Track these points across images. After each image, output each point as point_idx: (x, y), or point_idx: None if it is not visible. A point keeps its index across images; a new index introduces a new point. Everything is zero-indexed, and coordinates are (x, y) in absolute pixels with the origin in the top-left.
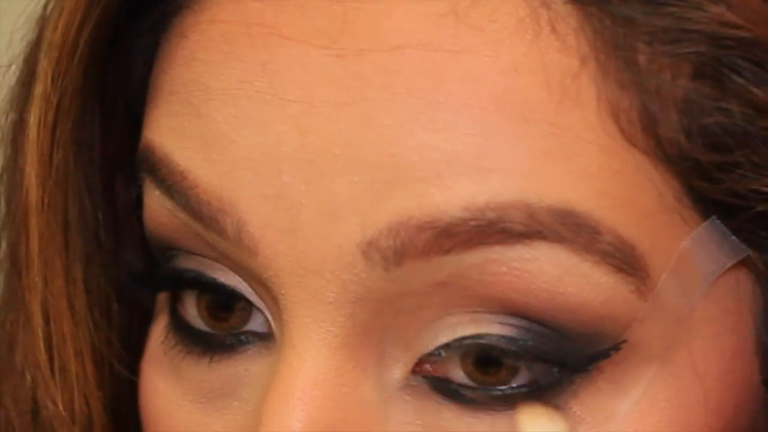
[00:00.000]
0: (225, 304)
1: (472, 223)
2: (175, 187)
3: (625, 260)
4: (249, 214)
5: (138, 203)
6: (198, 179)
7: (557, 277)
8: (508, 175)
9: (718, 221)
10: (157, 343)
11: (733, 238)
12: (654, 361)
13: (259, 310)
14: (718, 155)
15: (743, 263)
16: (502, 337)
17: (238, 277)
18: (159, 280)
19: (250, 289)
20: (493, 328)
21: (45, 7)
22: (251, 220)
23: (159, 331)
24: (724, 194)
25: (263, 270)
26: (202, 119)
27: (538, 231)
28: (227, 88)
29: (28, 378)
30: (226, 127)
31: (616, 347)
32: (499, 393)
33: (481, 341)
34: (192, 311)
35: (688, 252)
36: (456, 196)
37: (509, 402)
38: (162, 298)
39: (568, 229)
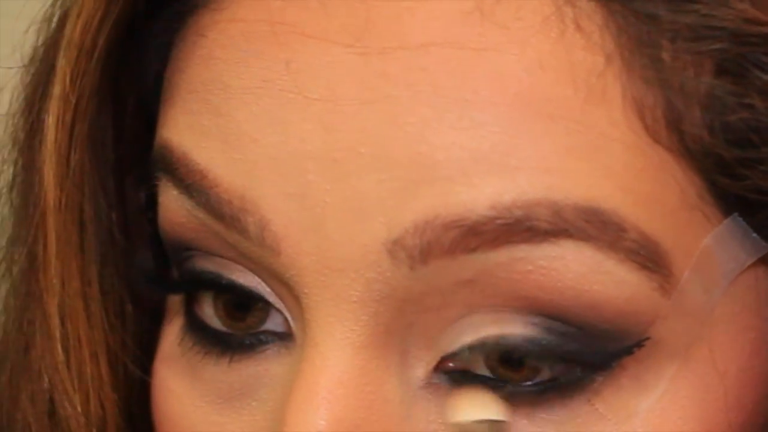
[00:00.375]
0: (242, 304)
1: (499, 221)
2: (194, 186)
3: (649, 257)
4: (272, 213)
5: (147, 205)
6: (219, 178)
7: (583, 275)
8: (534, 172)
9: (740, 218)
10: (172, 344)
11: (755, 235)
12: (676, 359)
13: (278, 310)
14: (741, 151)
15: (762, 260)
16: (525, 338)
17: (257, 278)
18: (175, 282)
19: (269, 290)
20: (516, 328)
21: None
22: (274, 219)
23: (174, 331)
24: (747, 190)
25: (286, 269)
26: (222, 118)
27: (564, 229)
28: (248, 86)
29: (46, 379)
30: (247, 125)
31: (639, 344)
32: (521, 389)
33: (504, 342)
34: (208, 311)
35: (709, 250)
36: (482, 194)
37: (531, 398)
38: (176, 298)
39: (594, 226)
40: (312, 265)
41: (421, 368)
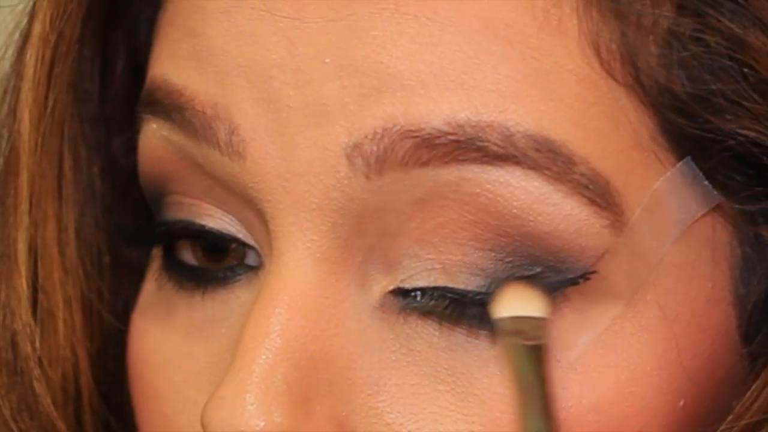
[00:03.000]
0: (218, 247)
1: (451, 137)
2: (172, 106)
3: (598, 193)
4: (241, 117)
5: (131, 155)
6: (194, 93)
7: (528, 204)
8: (489, 94)
9: (692, 163)
10: (149, 288)
11: (706, 183)
12: (621, 300)
13: (251, 247)
14: (694, 88)
15: (720, 214)
16: (471, 291)
17: (227, 218)
18: (150, 235)
19: (239, 226)
20: (460, 279)
21: None
22: (243, 124)
23: (152, 276)
24: (700, 130)
25: (251, 176)
26: (197, 38)
27: (513, 155)
28: (222, 6)
29: (8, 318)
30: (219, 40)
31: (585, 276)
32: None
33: (451, 294)
34: (187, 254)
35: (661, 193)
36: (439, 108)
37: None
38: (154, 252)
39: (543, 156)
40: (275, 169)
41: (377, 292)
